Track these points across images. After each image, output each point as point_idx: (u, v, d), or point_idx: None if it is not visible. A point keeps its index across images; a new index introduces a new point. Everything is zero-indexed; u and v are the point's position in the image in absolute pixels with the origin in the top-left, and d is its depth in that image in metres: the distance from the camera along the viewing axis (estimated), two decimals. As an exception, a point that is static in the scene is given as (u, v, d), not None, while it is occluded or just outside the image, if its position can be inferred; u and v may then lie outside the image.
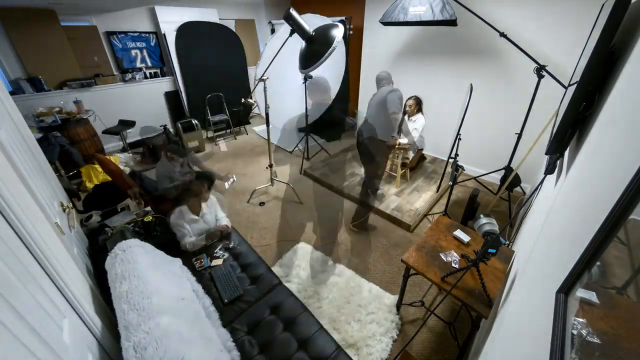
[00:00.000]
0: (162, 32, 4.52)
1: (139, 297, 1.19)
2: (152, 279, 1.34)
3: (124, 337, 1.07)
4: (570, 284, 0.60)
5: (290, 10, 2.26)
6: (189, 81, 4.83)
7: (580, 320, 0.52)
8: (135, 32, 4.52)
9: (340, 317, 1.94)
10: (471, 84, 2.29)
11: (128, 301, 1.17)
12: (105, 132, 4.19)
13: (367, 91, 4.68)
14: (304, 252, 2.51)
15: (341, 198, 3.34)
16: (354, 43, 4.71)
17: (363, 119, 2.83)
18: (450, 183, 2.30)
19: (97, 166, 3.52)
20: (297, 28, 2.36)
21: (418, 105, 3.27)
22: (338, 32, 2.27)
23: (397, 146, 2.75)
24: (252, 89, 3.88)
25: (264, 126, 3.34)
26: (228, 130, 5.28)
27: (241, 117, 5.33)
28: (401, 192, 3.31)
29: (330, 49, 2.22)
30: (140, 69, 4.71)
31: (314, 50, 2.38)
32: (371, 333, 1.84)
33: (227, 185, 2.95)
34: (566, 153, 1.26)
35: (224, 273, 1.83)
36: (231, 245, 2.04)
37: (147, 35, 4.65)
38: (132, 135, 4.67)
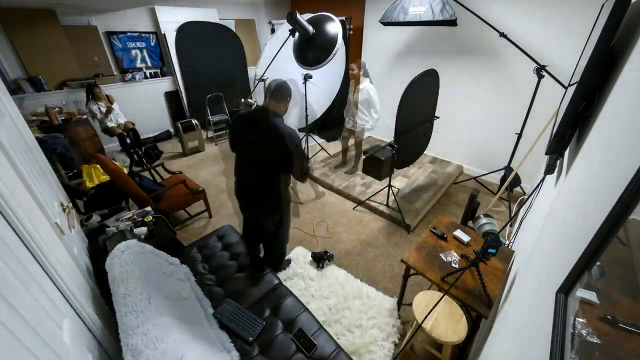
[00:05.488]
0: (162, 32, 4.53)
1: (136, 298, 1.19)
2: (151, 279, 1.34)
3: (123, 339, 1.07)
4: (570, 284, 0.60)
5: (295, 14, 2.29)
6: (189, 81, 4.83)
7: (580, 320, 0.52)
8: (135, 32, 4.52)
9: (341, 320, 1.92)
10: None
11: (126, 303, 1.17)
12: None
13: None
14: (303, 253, 2.50)
15: (341, 198, 3.34)
16: (354, 43, 4.71)
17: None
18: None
19: (97, 166, 3.52)
20: (299, 28, 2.38)
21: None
22: (337, 28, 2.29)
23: None
24: (252, 89, 3.87)
25: (264, 126, 3.33)
26: (228, 130, 5.28)
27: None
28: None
29: (334, 51, 2.24)
30: (140, 69, 4.71)
31: (316, 49, 2.40)
32: (372, 339, 1.81)
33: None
34: (566, 153, 1.26)
35: (231, 312, 1.57)
36: None
37: (147, 35, 4.64)
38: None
